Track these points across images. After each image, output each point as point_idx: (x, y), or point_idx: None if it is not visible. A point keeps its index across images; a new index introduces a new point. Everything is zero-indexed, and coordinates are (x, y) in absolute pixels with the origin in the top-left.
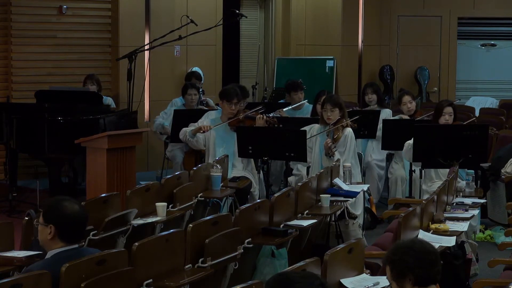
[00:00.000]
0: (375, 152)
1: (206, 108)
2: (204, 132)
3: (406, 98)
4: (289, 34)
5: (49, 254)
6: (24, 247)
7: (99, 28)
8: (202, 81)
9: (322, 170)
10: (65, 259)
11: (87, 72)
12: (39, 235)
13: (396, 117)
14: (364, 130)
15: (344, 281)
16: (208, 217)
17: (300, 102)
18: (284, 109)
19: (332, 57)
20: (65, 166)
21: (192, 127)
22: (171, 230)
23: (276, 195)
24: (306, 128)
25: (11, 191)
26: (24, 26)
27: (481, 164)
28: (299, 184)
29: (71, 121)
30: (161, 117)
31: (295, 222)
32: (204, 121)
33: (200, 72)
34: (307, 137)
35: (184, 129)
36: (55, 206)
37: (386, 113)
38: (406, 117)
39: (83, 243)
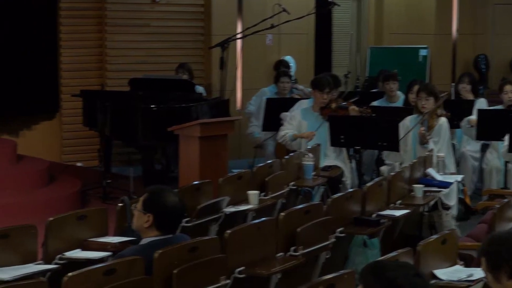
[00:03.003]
0: (470, 143)
1: (298, 97)
2: (309, 140)
3: (508, 87)
4: (382, 23)
5: (144, 241)
6: (118, 233)
7: (192, 17)
8: (291, 70)
9: (415, 160)
10: (158, 245)
11: (179, 60)
12: (135, 221)
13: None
14: (459, 120)
15: (437, 272)
16: (300, 206)
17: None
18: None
19: (425, 46)
20: (158, 153)
21: (288, 130)
22: (263, 218)
23: (368, 184)
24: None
25: (105, 178)
26: (118, 15)
27: None
28: (392, 174)
29: (164, 109)
30: (253, 124)
31: (387, 212)
32: (293, 114)
33: (291, 60)
34: (401, 136)
35: (282, 132)
36: (156, 196)
37: (481, 103)
38: None
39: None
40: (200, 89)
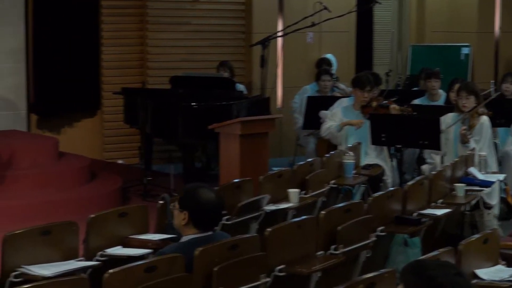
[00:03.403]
0: None
1: (339, 95)
2: (358, 128)
3: None
4: (424, 21)
5: (184, 239)
6: (158, 230)
7: (233, 15)
8: (333, 67)
9: (456, 159)
10: (198, 243)
11: (220, 58)
12: (174, 220)
13: None
14: (501, 119)
15: (479, 271)
16: (340, 204)
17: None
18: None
19: (467, 44)
20: (198, 151)
21: (332, 121)
22: (303, 217)
23: (409, 183)
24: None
25: (145, 175)
26: (159, 13)
27: None
28: (433, 172)
29: (205, 107)
30: (298, 115)
31: (428, 211)
32: (335, 111)
33: (333, 58)
34: (442, 128)
35: (326, 125)
36: (191, 193)
37: None
38: None
39: (216, 228)
40: (240, 87)
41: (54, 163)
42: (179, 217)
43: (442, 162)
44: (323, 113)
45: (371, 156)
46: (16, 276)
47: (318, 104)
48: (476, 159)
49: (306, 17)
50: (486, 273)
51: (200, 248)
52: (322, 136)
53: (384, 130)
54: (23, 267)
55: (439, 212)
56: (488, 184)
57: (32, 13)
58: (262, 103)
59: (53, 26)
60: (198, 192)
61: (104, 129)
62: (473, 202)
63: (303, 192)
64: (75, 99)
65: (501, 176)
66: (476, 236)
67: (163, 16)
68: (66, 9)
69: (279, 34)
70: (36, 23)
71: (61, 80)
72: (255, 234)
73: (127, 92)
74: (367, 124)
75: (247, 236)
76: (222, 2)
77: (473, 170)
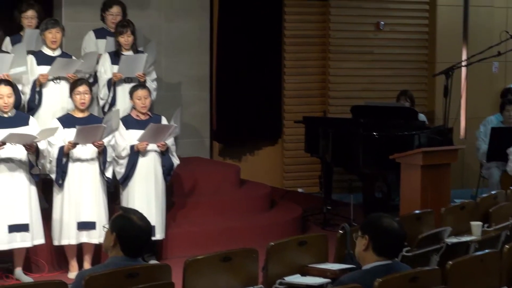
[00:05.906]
0: None
1: None
2: None
3: None
4: None
5: (364, 267)
6: (338, 259)
7: (416, 44)
8: None
9: None
10: (378, 273)
11: (401, 88)
12: (356, 248)
13: None
14: None
15: None
16: None
17: None
18: None
19: None
20: (379, 181)
21: None
22: (486, 250)
23: None
24: None
25: (325, 204)
26: (341, 42)
27: None
28: None
29: (386, 136)
30: (480, 141)
31: None
32: None
33: None
34: None
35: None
36: (374, 218)
37: None
38: None
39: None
40: (422, 116)
41: (235, 190)
42: (360, 243)
43: None
44: (510, 151)
45: None
46: None
47: (503, 135)
48: None
49: (491, 46)
50: None
51: (380, 280)
52: (509, 173)
53: None
54: None
55: None
56: None
57: (217, 42)
58: (445, 134)
59: (237, 54)
60: (381, 219)
61: (284, 157)
62: None
63: (486, 225)
64: (257, 127)
65: None
66: None
67: (345, 46)
68: (249, 38)
69: (464, 63)
70: (220, 52)
71: (244, 108)
72: (436, 267)
73: (308, 121)
74: None
75: (428, 268)
76: (405, 31)
77: None
